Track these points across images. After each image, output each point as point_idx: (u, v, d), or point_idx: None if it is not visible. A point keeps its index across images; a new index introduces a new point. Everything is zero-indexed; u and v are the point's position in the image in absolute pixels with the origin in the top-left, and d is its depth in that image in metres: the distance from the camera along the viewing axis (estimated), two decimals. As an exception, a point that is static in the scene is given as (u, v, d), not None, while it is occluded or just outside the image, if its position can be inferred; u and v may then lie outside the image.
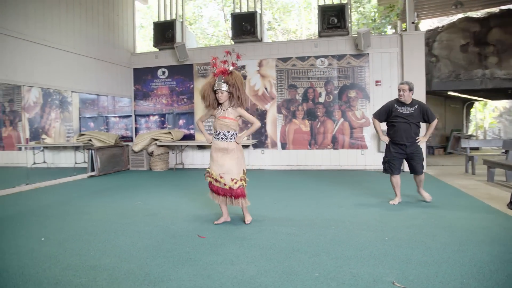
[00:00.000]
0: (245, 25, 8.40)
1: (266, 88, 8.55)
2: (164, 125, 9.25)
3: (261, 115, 8.56)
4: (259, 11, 8.60)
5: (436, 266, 2.53)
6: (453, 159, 10.79)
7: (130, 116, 9.45)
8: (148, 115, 9.36)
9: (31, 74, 6.14)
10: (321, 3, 8.23)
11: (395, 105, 4.48)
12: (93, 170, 7.74)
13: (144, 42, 15.35)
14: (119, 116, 9.55)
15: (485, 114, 20.23)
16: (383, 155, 4.76)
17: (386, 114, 4.55)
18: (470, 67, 11.41)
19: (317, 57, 8.19)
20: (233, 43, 8.85)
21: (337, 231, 3.45)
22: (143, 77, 9.31)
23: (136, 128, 9.44)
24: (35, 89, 7.80)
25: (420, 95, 7.36)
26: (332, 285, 2.28)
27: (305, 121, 8.35)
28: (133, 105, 9.39)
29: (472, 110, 17.31)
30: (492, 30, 11.26)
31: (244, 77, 8.61)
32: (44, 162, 8.77)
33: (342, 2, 7.96)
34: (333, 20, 7.84)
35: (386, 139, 4.58)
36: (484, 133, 19.59)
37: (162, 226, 3.72)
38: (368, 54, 7.87)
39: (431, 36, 12.21)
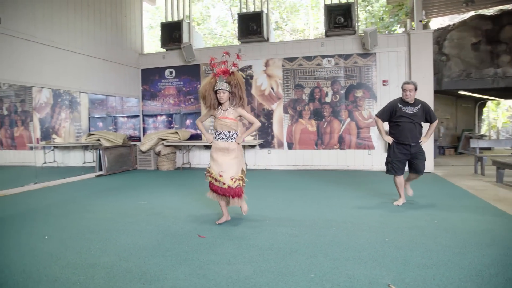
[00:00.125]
0: (251, 25, 8.40)
1: (272, 88, 8.54)
2: (171, 125, 9.32)
3: (268, 115, 8.56)
4: (265, 11, 8.59)
5: (434, 269, 2.49)
6: (464, 159, 10.61)
7: (138, 116, 9.55)
8: (155, 115, 9.45)
9: (40, 75, 6.25)
10: (328, 2, 8.17)
11: (399, 105, 4.42)
12: (101, 169, 7.85)
13: (153, 42, 15.48)
14: (127, 116, 9.66)
15: (498, 114, 19.82)
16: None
17: (390, 113, 4.49)
18: (482, 66, 11.20)
19: (323, 57, 8.15)
20: (239, 43, 8.87)
21: (337, 232, 3.43)
22: (151, 78, 9.40)
23: (143, 128, 9.54)
24: (45, 89, 7.95)
25: (428, 94, 7.29)
26: (327, 287, 2.27)
27: (311, 121, 8.31)
28: (140, 105, 9.49)
29: (485, 109, 16.98)
30: (505, 27, 11.03)
31: (251, 77, 8.62)
32: (54, 161, 8.94)
33: (349, 1, 7.89)
34: (339, 20, 7.79)
35: (389, 139, 4.51)
36: (497, 133, 19.20)
37: (163, 225, 3.76)
38: (375, 53, 7.79)
39: (442, 35, 12.03)
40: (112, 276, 2.48)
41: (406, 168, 4.56)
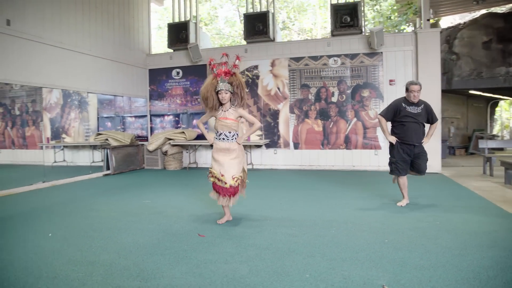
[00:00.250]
0: (257, 25, 8.42)
1: (278, 88, 8.54)
2: (179, 125, 9.39)
3: (274, 115, 8.56)
4: (271, 11, 8.59)
5: (431, 270, 2.47)
6: (474, 160, 10.43)
7: (145, 116, 9.65)
8: (163, 115, 9.53)
9: (49, 76, 6.37)
10: (334, 1, 8.12)
11: (403, 104, 4.37)
12: (108, 168, 7.95)
13: (161, 43, 15.61)
14: (135, 116, 9.78)
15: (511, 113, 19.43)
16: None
17: (394, 113, 4.44)
18: (493, 65, 11.00)
19: (329, 56, 8.11)
20: (245, 43, 8.89)
21: (337, 232, 3.42)
22: (158, 78, 9.49)
23: (151, 128, 9.63)
24: (55, 90, 8.10)
25: (435, 94, 7.20)
26: (321, 287, 2.27)
27: (317, 121, 8.28)
28: (148, 105, 9.59)
29: (497, 109, 16.67)
30: (517, 25, 10.81)
31: (257, 76, 8.64)
32: (64, 160, 9.11)
33: (355, 0, 7.84)
34: (346, 19, 7.75)
35: (393, 139, 4.46)
36: (510, 133, 18.83)
37: (165, 224, 3.80)
38: (381, 52, 7.72)
39: (452, 34, 11.84)
40: (110, 273, 2.53)
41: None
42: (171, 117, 9.47)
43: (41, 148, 8.62)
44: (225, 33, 16.71)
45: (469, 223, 3.59)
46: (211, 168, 3.80)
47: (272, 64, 8.55)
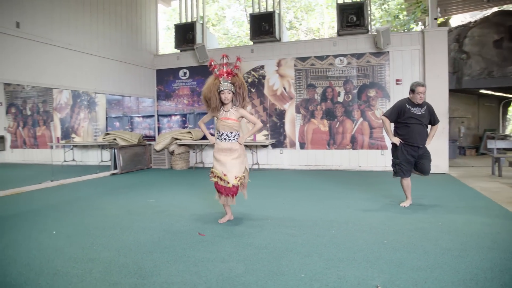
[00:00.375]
0: (263, 25, 8.43)
1: (284, 88, 8.54)
2: (186, 125, 9.46)
3: (280, 115, 8.57)
4: (277, 11, 8.59)
5: (428, 272, 2.45)
6: (484, 160, 10.25)
7: (153, 116, 9.76)
8: (170, 115, 9.62)
9: (57, 77, 6.49)
10: (340, 1, 8.08)
11: (407, 105, 4.33)
12: (116, 168, 8.06)
13: (170, 43, 15.75)
14: (143, 116, 9.89)
15: (525, 113, 18.99)
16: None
17: (398, 114, 4.40)
18: (504, 64, 10.79)
19: (336, 56, 8.08)
20: (252, 43, 8.91)
21: (337, 232, 3.41)
22: (166, 78, 9.58)
23: (158, 128, 9.73)
24: (65, 90, 8.25)
25: (443, 93, 7.13)
26: (315, 286, 2.27)
27: (323, 121, 8.26)
28: (156, 105, 9.69)
29: (510, 108, 16.33)
30: (529, 24, 10.59)
31: (263, 77, 8.65)
32: (73, 160, 9.27)
33: (361, -1, 7.80)
34: (352, 18, 7.70)
35: (397, 140, 4.42)
36: (523, 133, 18.42)
37: (167, 223, 3.84)
38: (388, 52, 7.66)
39: (462, 32, 11.66)
40: (109, 270, 2.58)
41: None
42: (178, 117, 9.55)
43: (51, 147, 8.79)
44: (233, 34, 16.76)
45: (471, 225, 3.55)
46: (213, 168, 3.82)
47: (278, 64, 8.56)
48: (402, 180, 4.48)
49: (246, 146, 8.45)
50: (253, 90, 8.72)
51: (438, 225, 3.56)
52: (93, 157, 9.46)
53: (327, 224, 3.72)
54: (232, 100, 3.76)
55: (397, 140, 4.40)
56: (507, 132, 15.85)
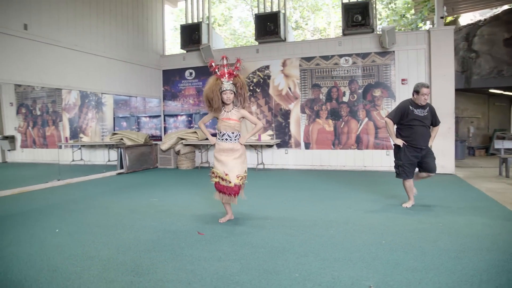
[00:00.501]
0: (269, 25, 8.43)
1: (289, 88, 8.53)
2: (191, 125, 9.53)
3: (285, 115, 8.57)
4: (283, 11, 8.59)
5: (423, 273, 2.44)
6: (494, 161, 10.08)
7: (159, 116, 9.84)
8: (176, 115, 9.69)
9: (64, 77, 6.61)
10: (345, 0, 8.04)
11: (410, 107, 4.29)
12: (122, 167, 8.16)
13: (177, 44, 15.89)
14: (149, 116, 9.99)
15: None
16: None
17: (401, 116, 4.36)
18: (514, 63, 10.61)
19: (341, 56, 8.05)
20: (257, 43, 8.93)
21: (336, 232, 3.41)
22: (172, 78, 9.66)
23: (165, 128, 9.81)
24: (74, 91, 8.38)
25: (449, 93, 7.05)
26: (308, 286, 2.28)
27: (328, 121, 8.23)
28: (162, 106, 9.77)
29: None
30: (540, 21, 10.39)
31: (268, 77, 8.66)
32: (81, 159, 9.40)
33: (367, -1, 7.75)
34: (357, 18, 7.66)
35: (400, 142, 4.38)
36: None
37: (168, 222, 3.89)
38: (393, 51, 7.60)
39: (471, 31, 11.50)
40: (107, 268, 2.62)
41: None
42: (184, 117, 9.62)
43: (60, 147, 8.93)
44: (240, 34, 16.80)
45: (472, 225, 3.51)
46: (213, 168, 3.84)
47: (283, 64, 8.56)
48: (404, 181, 4.45)
49: (251, 146, 8.48)
50: (258, 90, 8.74)
51: (438, 226, 3.53)
52: (101, 157, 9.58)
53: (326, 224, 3.71)
54: (233, 101, 3.79)
55: (400, 142, 4.36)
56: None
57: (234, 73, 3.79)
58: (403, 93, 7.42)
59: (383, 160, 7.76)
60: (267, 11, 8.79)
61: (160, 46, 9.74)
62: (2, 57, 5.56)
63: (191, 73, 9.45)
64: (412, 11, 12.81)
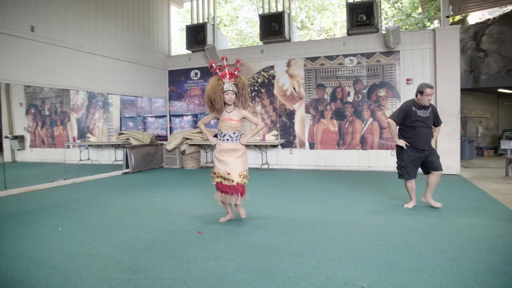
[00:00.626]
0: (273, 26, 8.45)
1: (294, 88, 8.53)
2: (197, 125, 9.59)
3: (289, 115, 8.57)
4: (287, 11, 8.60)
5: (418, 273, 2.44)
6: (502, 161, 9.93)
7: (165, 116, 9.93)
8: (181, 115, 9.77)
9: (70, 78, 6.72)
10: (350, 0, 8.01)
11: (413, 108, 4.26)
12: (127, 167, 8.25)
13: (184, 44, 16.00)
14: (155, 116, 10.08)
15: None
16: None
17: (404, 117, 4.33)
18: (524, 62, 10.45)
19: (345, 56, 8.02)
20: (262, 43, 8.95)
21: (334, 233, 3.41)
22: (177, 79, 9.73)
23: (170, 128, 9.89)
24: (81, 91, 8.50)
25: (455, 93, 6.99)
26: (301, 286, 2.30)
27: (333, 121, 8.22)
28: (168, 106, 9.85)
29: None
30: (550, 20, 10.21)
31: (273, 77, 8.68)
32: (89, 159, 9.53)
33: (372, -2, 7.71)
34: (361, 18, 7.63)
35: (403, 143, 4.35)
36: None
37: (168, 221, 3.93)
38: (398, 51, 7.55)
39: (480, 30, 11.36)
40: (106, 266, 2.67)
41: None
42: (189, 117, 9.69)
43: (68, 147, 9.06)
44: (246, 34, 16.83)
45: (473, 227, 3.48)
46: (214, 169, 3.86)
47: (288, 64, 8.56)
48: (406, 182, 4.42)
49: (256, 146, 8.50)
50: (263, 90, 8.76)
51: (438, 227, 3.51)
52: (107, 157, 9.69)
53: (325, 224, 3.72)
54: (234, 102, 3.81)
55: (403, 143, 4.33)
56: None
57: (235, 73, 3.82)
58: (408, 93, 7.36)
59: (388, 161, 7.72)
60: (272, 11, 8.81)
61: (166, 46, 9.82)
62: (10, 59, 5.69)
63: (196, 74, 9.51)
64: (419, 10, 12.69)
